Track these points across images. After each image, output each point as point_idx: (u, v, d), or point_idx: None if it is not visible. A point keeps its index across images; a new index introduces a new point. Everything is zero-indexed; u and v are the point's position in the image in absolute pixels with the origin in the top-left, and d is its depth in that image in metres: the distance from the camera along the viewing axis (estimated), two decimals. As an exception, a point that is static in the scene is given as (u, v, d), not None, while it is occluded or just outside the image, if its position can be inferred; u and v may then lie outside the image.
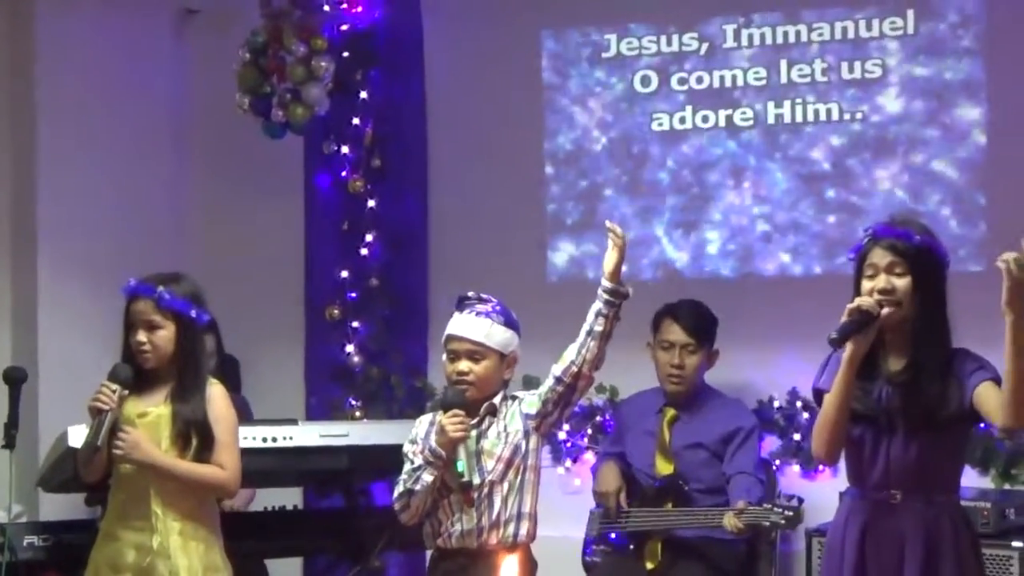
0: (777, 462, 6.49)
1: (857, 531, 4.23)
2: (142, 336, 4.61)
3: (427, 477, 4.40)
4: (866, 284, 4.15)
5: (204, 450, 4.62)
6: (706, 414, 6.09)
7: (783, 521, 5.40)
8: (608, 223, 4.47)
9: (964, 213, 6.38)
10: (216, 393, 4.71)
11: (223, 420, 4.68)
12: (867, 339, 4.09)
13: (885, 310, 4.08)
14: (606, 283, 4.42)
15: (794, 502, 5.47)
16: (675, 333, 6.07)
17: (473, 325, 4.53)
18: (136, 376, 4.62)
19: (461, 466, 4.38)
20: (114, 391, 4.53)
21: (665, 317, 6.11)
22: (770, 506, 5.45)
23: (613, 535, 5.97)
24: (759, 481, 5.87)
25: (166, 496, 4.60)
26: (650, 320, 6.14)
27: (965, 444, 4.30)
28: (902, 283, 4.12)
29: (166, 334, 4.63)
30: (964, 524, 4.25)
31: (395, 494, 4.49)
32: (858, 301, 4.09)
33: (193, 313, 4.66)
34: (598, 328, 4.43)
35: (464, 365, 4.50)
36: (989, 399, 4.02)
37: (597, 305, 4.44)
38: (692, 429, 6.06)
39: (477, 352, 4.51)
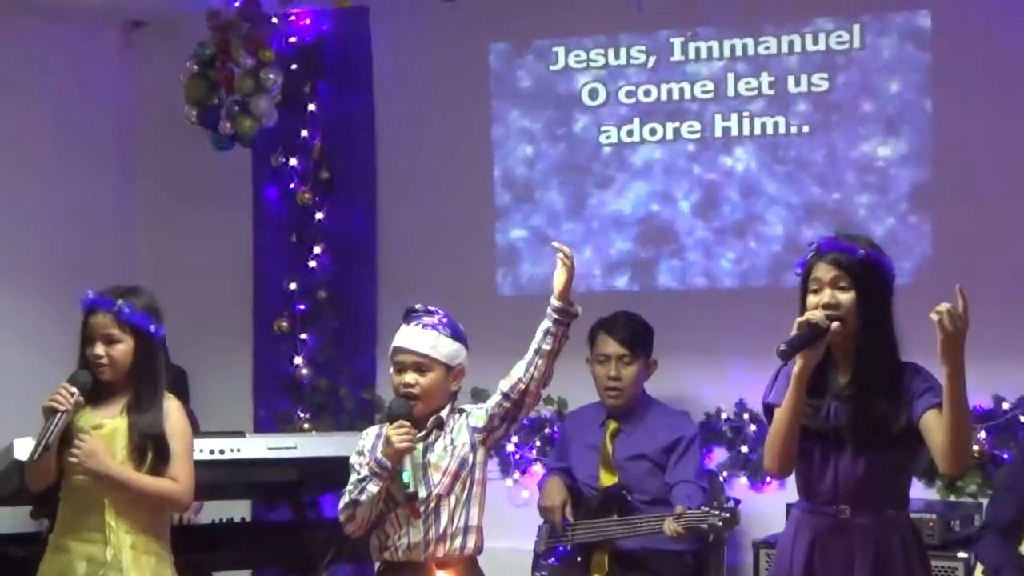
0: (724, 474, 6.52)
1: (806, 545, 4.23)
2: (100, 349, 4.58)
3: (372, 488, 4.39)
4: (811, 299, 4.14)
5: (160, 464, 4.59)
6: (648, 425, 6.12)
7: (721, 523, 5.44)
8: (555, 243, 4.46)
9: (911, 225, 6.41)
10: (173, 407, 4.68)
11: (179, 434, 4.65)
12: (816, 353, 4.09)
13: (834, 324, 4.07)
14: (555, 302, 4.40)
15: (730, 504, 5.51)
16: (610, 346, 6.10)
17: (419, 337, 4.51)
18: (92, 388, 4.59)
19: (407, 477, 4.37)
20: (72, 393, 4.49)
21: (599, 331, 6.14)
22: (707, 509, 5.48)
23: (560, 549, 5.98)
24: (701, 488, 5.89)
25: (120, 508, 4.57)
26: (597, 334, 6.18)
27: (913, 460, 4.30)
28: (846, 297, 4.12)
29: (124, 348, 4.60)
30: (914, 539, 4.26)
31: (340, 505, 4.48)
32: (807, 315, 4.09)
33: (152, 327, 4.64)
34: (546, 347, 4.42)
35: (410, 377, 4.49)
36: (934, 433, 4.02)
37: (546, 324, 4.42)
38: (634, 441, 6.08)
39: (423, 364, 4.48)
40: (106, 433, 4.59)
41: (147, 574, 4.59)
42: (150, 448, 4.57)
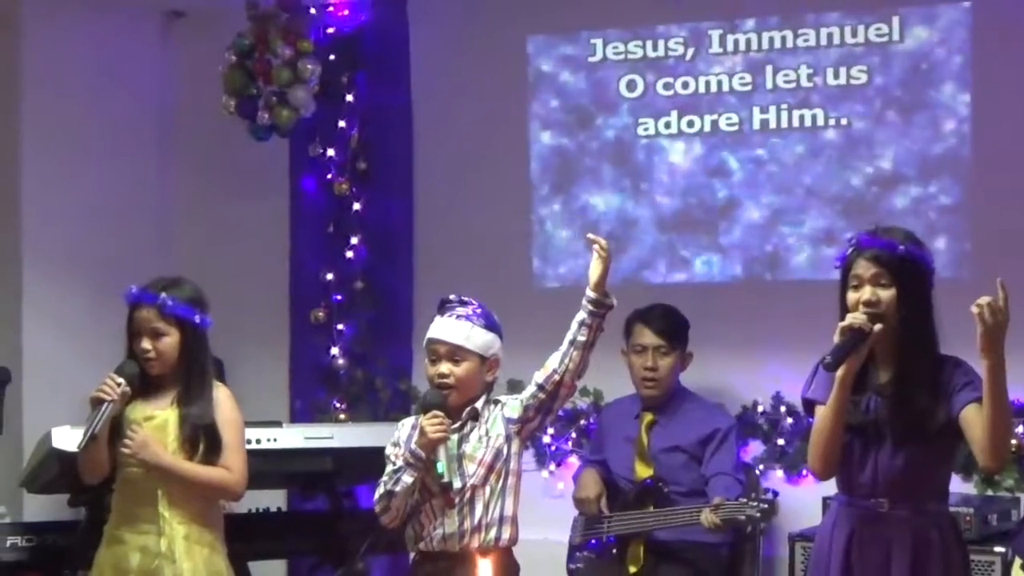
0: (761, 467, 6.50)
1: (844, 538, 4.22)
2: (147, 344, 4.60)
3: (407, 478, 4.40)
4: (851, 296, 4.13)
5: (211, 453, 4.62)
6: (683, 417, 6.10)
7: (759, 514, 5.42)
8: (591, 235, 4.47)
9: (951, 219, 6.38)
10: (223, 396, 4.72)
11: (230, 423, 4.69)
12: (860, 357, 4.07)
13: (877, 326, 4.05)
14: (590, 293, 4.41)
15: (768, 495, 5.49)
16: (647, 336, 6.09)
17: (453, 328, 4.52)
18: (141, 381, 4.61)
19: (441, 467, 4.38)
20: (118, 384, 4.51)
21: (636, 322, 6.13)
22: (745, 500, 5.47)
23: (595, 541, 5.98)
24: (737, 481, 5.88)
25: (173, 499, 4.60)
26: (631, 326, 6.17)
27: (954, 454, 4.28)
28: (887, 294, 4.10)
29: (171, 341, 4.62)
30: (953, 533, 4.25)
31: (376, 496, 4.49)
32: (849, 319, 4.07)
33: (197, 318, 4.67)
34: (581, 338, 4.42)
35: (444, 367, 4.50)
36: (974, 427, 4.01)
37: (581, 315, 4.42)
38: (669, 433, 6.07)
39: (457, 354, 4.49)
40: (157, 424, 4.62)
41: (200, 564, 4.62)
42: (201, 438, 4.61)
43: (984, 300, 3.82)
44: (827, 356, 4.04)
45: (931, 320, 4.17)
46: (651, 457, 6.04)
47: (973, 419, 4.02)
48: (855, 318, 4.06)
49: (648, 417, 6.13)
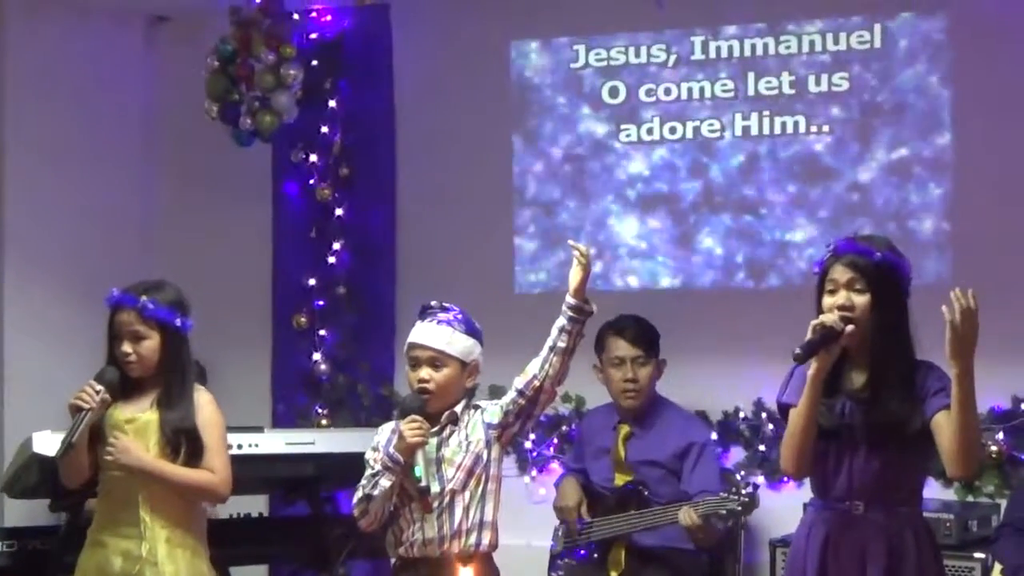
0: (742, 473, 6.51)
1: (819, 542, 4.24)
2: (127, 347, 4.59)
3: (385, 482, 4.40)
4: (827, 300, 4.16)
5: (193, 457, 4.61)
6: (659, 429, 6.07)
7: (739, 507, 5.42)
8: (572, 242, 4.48)
9: (932, 226, 6.39)
10: (204, 400, 4.71)
11: (212, 425, 4.68)
12: (831, 355, 4.11)
13: (849, 327, 4.09)
14: (570, 300, 4.42)
15: (749, 488, 5.49)
16: (623, 348, 6.06)
17: (434, 333, 4.52)
18: (122, 383, 4.60)
19: (419, 471, 4.38)
20: (98, 392, 4.51)
21: (609, 334, 6.08)
22: (725, 495, 5.47)
23: (577, 550, 5.97)
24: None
25: (154, 503, 4.59)
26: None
27: (928, 458, 4.29)
28: (861, 300, 4.13)
29: (151, 344, 4.61)
30: (926, 536, 4.27)
31: (354, 499, 4.49)
32: (822, 318, 4.11)
33: (178, 322, 4.66)
34: (561, 344, 4.43)
35: (425, 373, 4.50)
36: (942, 435, 4.04)
37: (561, 321, 4.43)
38: (646, 446, 6.04)
39: (438, 360, 4.50)
40: (139, 427, 4.61)
41: (182, 568, 4.61)
42: (183, 441, 4.60)
43: (956, 294, 3.84)
44: (796, 348, 4.08)
45: (906, 327, 4.19)
46: (629, 469, 6.02)
47: (942, 427, 4.05)
48: (827, 317, 4.11)
49: (624, 429, 6.10)
